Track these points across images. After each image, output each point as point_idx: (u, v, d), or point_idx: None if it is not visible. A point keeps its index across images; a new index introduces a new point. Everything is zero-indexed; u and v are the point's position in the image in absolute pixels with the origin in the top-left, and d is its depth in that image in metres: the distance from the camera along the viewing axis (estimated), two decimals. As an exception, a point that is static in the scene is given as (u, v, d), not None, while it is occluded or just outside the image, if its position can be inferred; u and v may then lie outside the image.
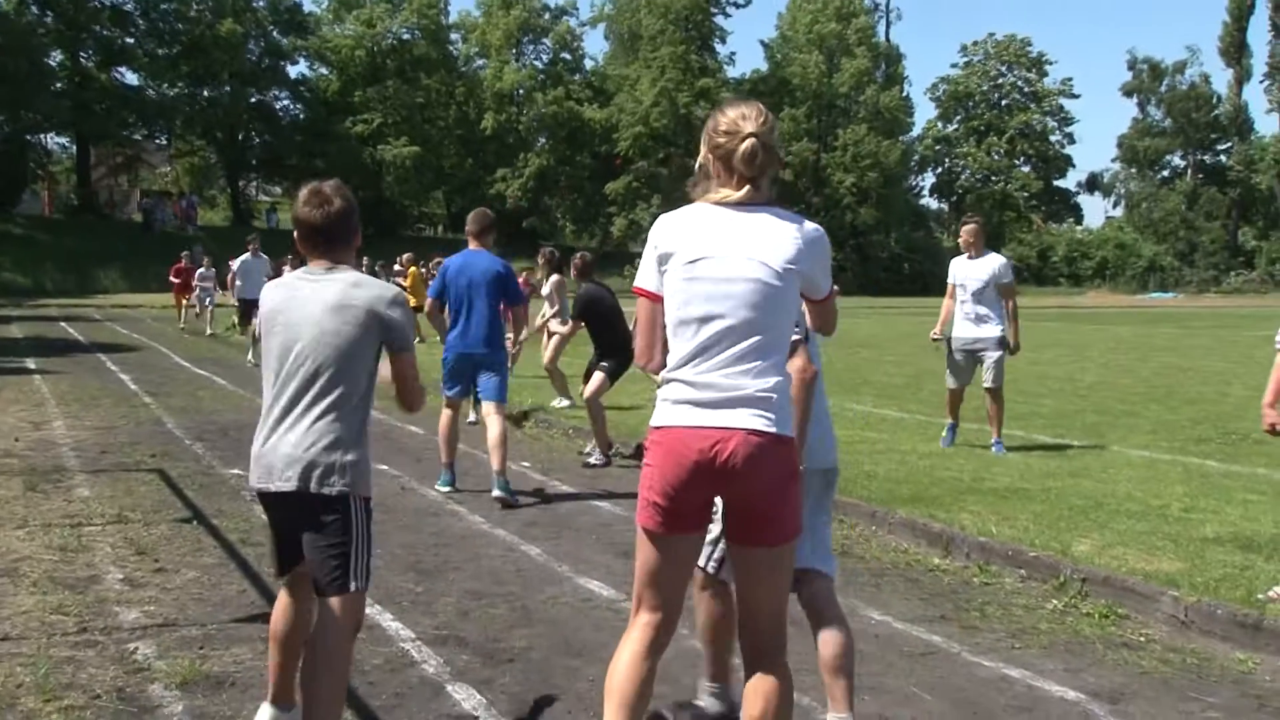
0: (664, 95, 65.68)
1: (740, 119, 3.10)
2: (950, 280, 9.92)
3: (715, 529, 3.79)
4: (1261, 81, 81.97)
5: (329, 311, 3.46)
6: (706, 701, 4.28)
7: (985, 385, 9.69)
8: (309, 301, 3.49)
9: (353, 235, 3.69)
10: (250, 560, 6.17)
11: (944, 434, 10.11)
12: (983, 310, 9.62)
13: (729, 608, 4.00)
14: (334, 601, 3.49)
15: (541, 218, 73.21)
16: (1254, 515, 7.07)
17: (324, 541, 3.47)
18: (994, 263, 9.67)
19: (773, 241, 3.05)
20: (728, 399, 3.00)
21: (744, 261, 3.03)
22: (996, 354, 9.60)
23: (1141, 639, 5.12)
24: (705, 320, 3.04)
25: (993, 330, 9.61)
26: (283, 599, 3.79)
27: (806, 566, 3.93)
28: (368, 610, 5.28)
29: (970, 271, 9.68)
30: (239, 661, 4.60)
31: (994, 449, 9.62)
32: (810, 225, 3.13)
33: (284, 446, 3.45)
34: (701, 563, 4.03)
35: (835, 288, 3.28)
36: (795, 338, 3.52)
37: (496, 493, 7.96)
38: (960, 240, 9.84)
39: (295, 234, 3.64)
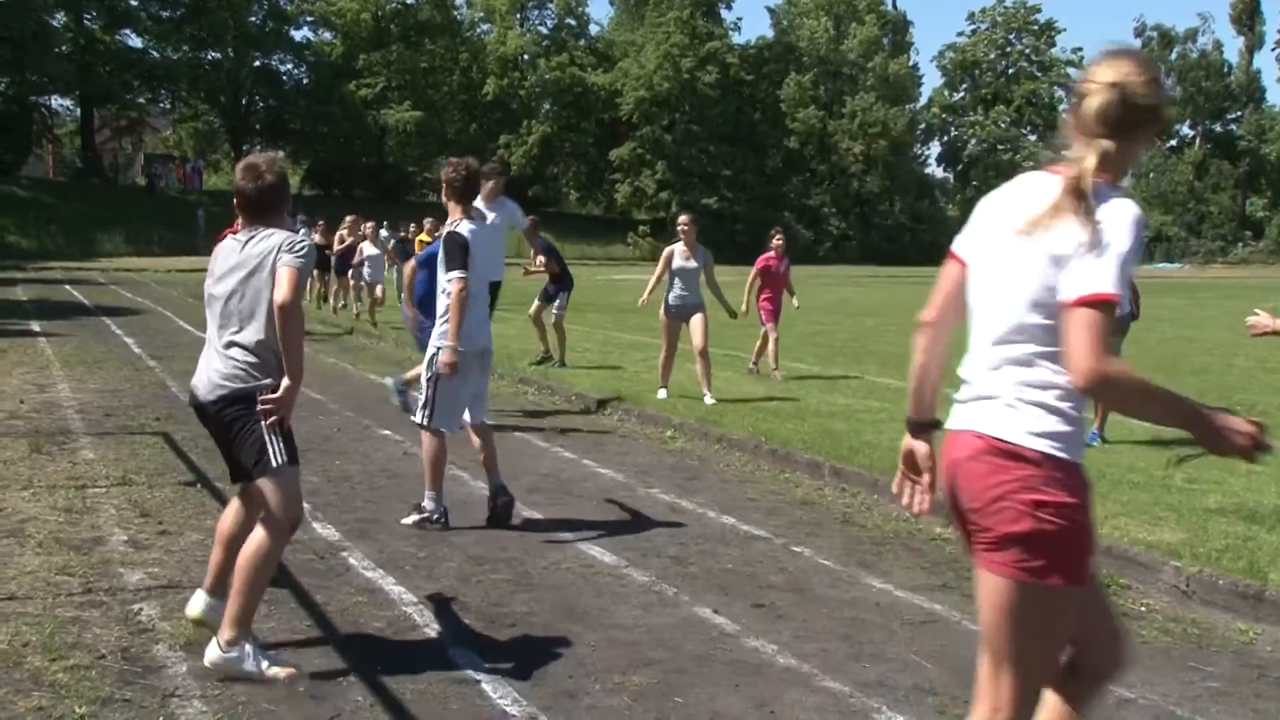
0: (668, 60, 65.30)
1: (1105, 67, 2.53)
2: None
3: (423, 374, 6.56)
4: (1273, 49, 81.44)
5: (254, 262, 4.12)
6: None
7: None
8: (237, 255, 4.19)
9: (283, 204, 4.33)
10: (254, 524, 6.19)
11: (1089, 434, 8.39)
12: None
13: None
14: (263, 484, 4.07)
15: (546, 185, 72.99)
16: (1257, 487, 7.06)
17: (245, 432, 4.06)
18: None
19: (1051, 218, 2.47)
20: (973, 396, 2.62)
21: (1011, 246, 2.54)
22: (1117, 337, 7.91)
23: (1143, 609, 5.13)
24: (974, 311, 2.68)
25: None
26: (233, 505, 4.41)
27: (477, 422, 6.62)
28: (370, 574, 5.33)
29: None
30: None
31: (1089, 439, 8.34)
32: (1117, 202, 2.44)
33: (213, 365, 4.15)
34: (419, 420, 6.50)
35: (1106, 292, 2.39)
36: (458, 274, 6.15)
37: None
38: None
39: (235, 201, 4.30)
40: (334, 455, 8.27)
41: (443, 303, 6.33)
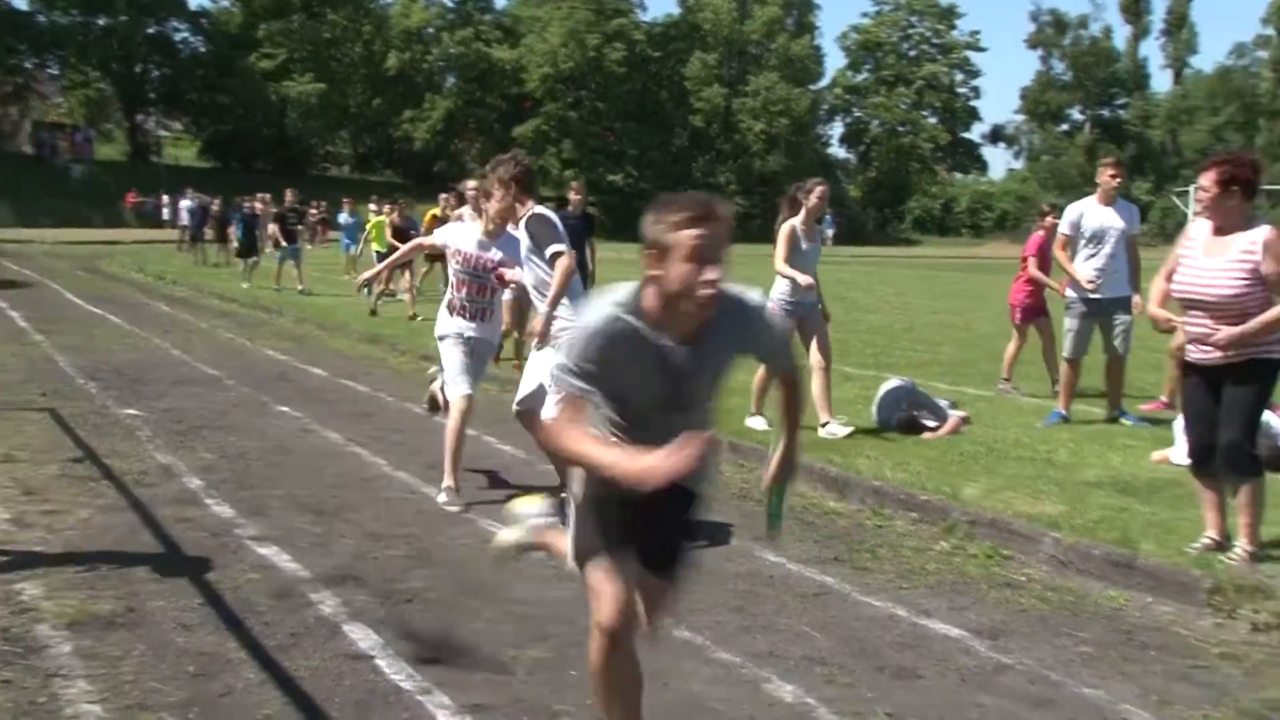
0: (573, 36, 64.96)
1: None
2: (1071, 231, 8.54)
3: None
4: (1158, 38, 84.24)
5: None
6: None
7: (1114, 353, 8.60)
8: None
9: None
10: (144, 500, 6.08)
11: (1050, 416, 8.74)
12: (1117, 265, 8.40)
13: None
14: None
15: (450, 161, 72.23)
16: (1133, 460, 7.34)
17: None
18: (1131, 210, 8.55)
19: None
20: None
21: None
22: (1130, 317, 8.45)
23: (1023, 578, 5.31)
24: None
25: (1127, 289, 8.45)
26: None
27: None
28: (264, 551, 5.32)
29: (1109, 220, 8.42)
30: (130, 601, 4.54)
31: (1128, 420, 8.63)
32: None
33: None
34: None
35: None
36: (559, 247, 5.91)
37: None
38: (1104, 182, 8.49)
39: None
40: (229, 431, 8.13)
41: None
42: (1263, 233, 5.00)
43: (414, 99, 67.36)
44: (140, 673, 3.86)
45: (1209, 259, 5.11)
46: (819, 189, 8.26)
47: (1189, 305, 5.22)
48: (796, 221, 8.12)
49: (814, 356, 8.16)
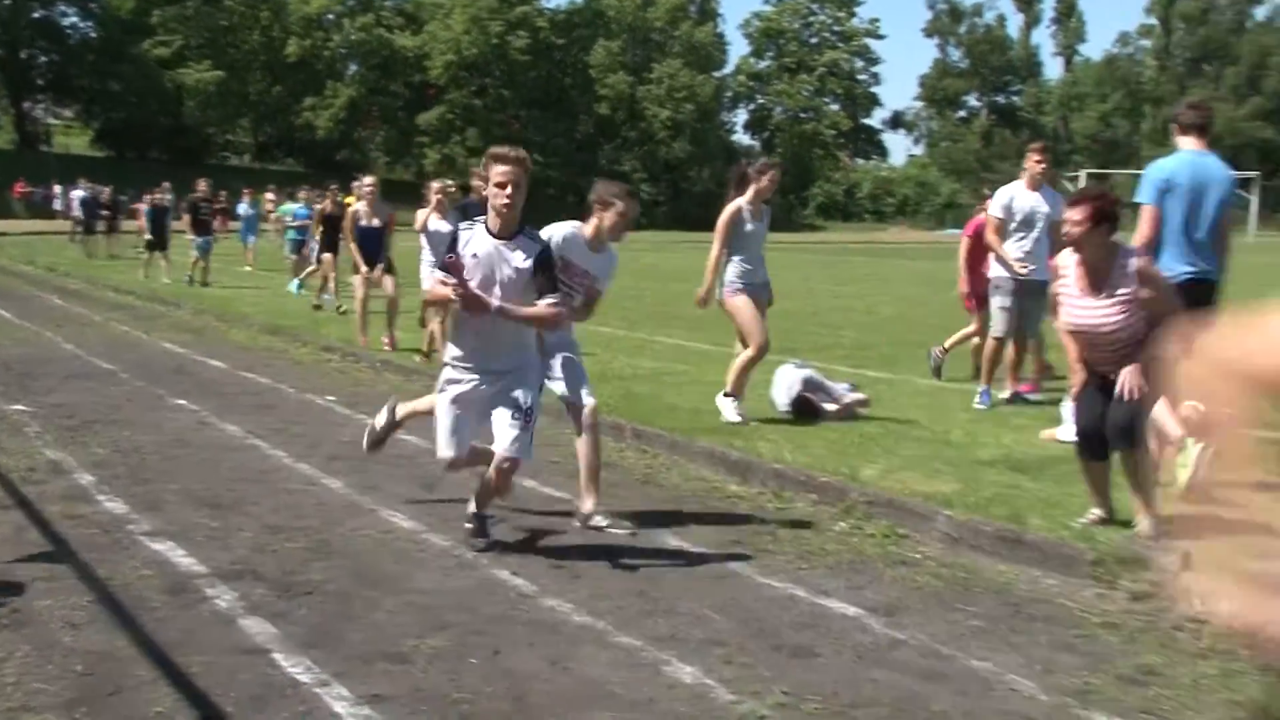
0: (476, 24, 64.46)
1: None
2: (1004, 214, 8.70)
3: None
4: (1049, 26, 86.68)
5: None
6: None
7: (1028, 333, 8.94)
8: None
9: None
10: (32, 497, 5.92)
11: (978, 398, 8.84)
12: (1041, 249, 8.47)
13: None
14: None
15: (354, 149, 71.22)
16: (1026, 440, 7.55)
17: None
18: (1056, 196, 8.60)
19: None
20: None
21: None
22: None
23: (918, 556, 5.43)
24: None
25: (1047, 274, 8.30)
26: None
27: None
28: (158, 546, 5.21)
29: (1037, 204, 8.63)
30: (14, 602, 4.42)
31: (982, 403, 8.80)
32: None
33: None
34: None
35: None
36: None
37: None
38: (1031, 167, 8.73)
39: None
40: (123, 426, 7.95)
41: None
42: (1132, 263, 5.27)
43: (315, 86, 66.28)
44: (24, 674, 3.77)
45: (1091, 298, 5.34)
46: (772, 172, 8.17)
47: (1081, 338, 5.44)
48: (743, 201, 7.99)
49: (760, 339, 8.09)
